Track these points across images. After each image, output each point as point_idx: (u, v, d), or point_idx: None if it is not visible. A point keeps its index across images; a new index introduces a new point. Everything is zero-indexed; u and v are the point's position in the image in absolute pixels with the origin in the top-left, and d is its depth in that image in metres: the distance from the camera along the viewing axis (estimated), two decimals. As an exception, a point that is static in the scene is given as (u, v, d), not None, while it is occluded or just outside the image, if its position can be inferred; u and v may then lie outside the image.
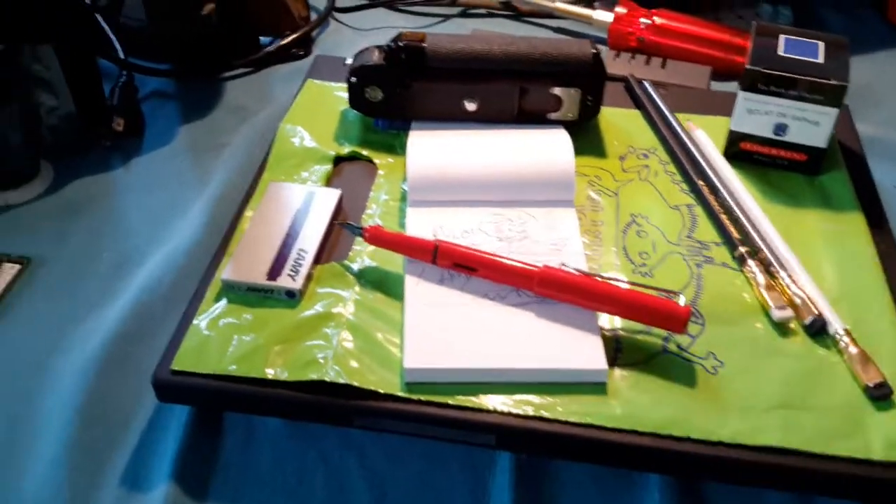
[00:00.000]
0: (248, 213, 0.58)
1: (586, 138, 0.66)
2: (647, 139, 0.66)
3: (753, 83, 0.60)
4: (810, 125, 0.61)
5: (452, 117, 0.65)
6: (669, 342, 0.50)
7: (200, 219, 0.62)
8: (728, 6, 0.89)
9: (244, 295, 0.52)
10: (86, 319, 0.56)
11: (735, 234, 0.56)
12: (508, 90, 0.64)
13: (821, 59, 0.60)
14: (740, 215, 0.58)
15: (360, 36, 0.87)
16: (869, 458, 0.44)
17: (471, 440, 0.47)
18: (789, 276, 0.53)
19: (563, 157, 0.60)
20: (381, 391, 0.46)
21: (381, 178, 0.62)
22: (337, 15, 0.90)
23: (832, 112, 0.60)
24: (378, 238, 0.54)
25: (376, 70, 0.64)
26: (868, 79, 0.79)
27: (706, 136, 0.65)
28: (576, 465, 0.48)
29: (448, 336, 0.49)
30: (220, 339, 0.49)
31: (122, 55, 0.74)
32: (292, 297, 0.52)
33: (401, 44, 0.63)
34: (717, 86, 0.77)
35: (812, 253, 0.56)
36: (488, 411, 0.46)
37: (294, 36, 0.83)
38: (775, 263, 0.54)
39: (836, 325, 0.50)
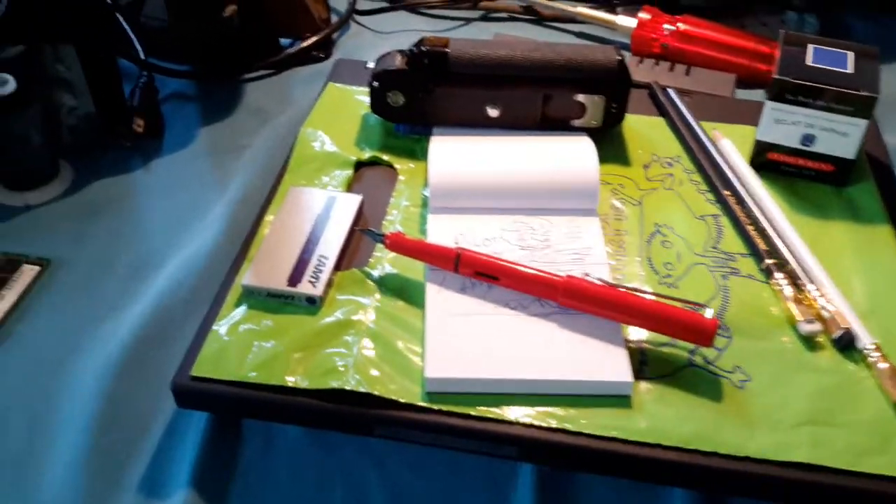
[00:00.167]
0: (269, 217, 0.58)
1: (610, 146, 0.65)
2: (672, 147, 0.66)
3: (781, 93, 0.60)
4: (839, 136, 0.60)
5: (475, 123, 0.64)
6: (696, 355, 0.49)
7: (220, 222, 0.62)
8: (752, 13, 0.88)
9: (264, 301, 0.52)
10: (105, 322, 0.55)
11: (762, 246, 0.56)
12: (532, 96, 0.63)
13: (850, 70, 0.59)
14: (767, 226, 0.57)
15: (381, 39, 0.87)
16: (899, 476, 0.43)
17: (492, 452, 0.46)
18: (817, 289, 0.52)
19: (588, 164, 0.59)
20: (402, 400, 0.46)
21: (401, 184, 0.61)
22: (357, 17, 0.90)
23: (861, 123, 0.59)
24: (399, 245, 0.53)
25: (399, 75, 0.63)
26: (894, 88, 0.78)
27: (732, 146, 0.65)
28: (599, 478, 0.47)
29: (470, 345, 0.48)
30: (239, 346, 0.49)
31: (142, 55, 0.73)
32: (313, 304, 0.51)
33: (424, 49, 0.63)
34: (742, 94, 0.77)
35: (840, 265, 0.55)
36: (510, 423, 0.45)
37: (314, 38, 0.83)
38: (803, 276, 0.53)
39: (865, 340, 0.49)
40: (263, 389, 0.47)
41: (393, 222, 0.58)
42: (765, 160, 0.63)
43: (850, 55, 0.61)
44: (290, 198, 0.59)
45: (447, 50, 0.63)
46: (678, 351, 0.49)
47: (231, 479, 0.47)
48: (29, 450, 0.48)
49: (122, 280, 0.58)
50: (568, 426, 0.45)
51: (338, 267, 0.54)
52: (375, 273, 0.54)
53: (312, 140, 0.65)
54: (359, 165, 0.64)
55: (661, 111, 0.69)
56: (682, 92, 0.71)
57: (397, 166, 0.63)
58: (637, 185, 0.62)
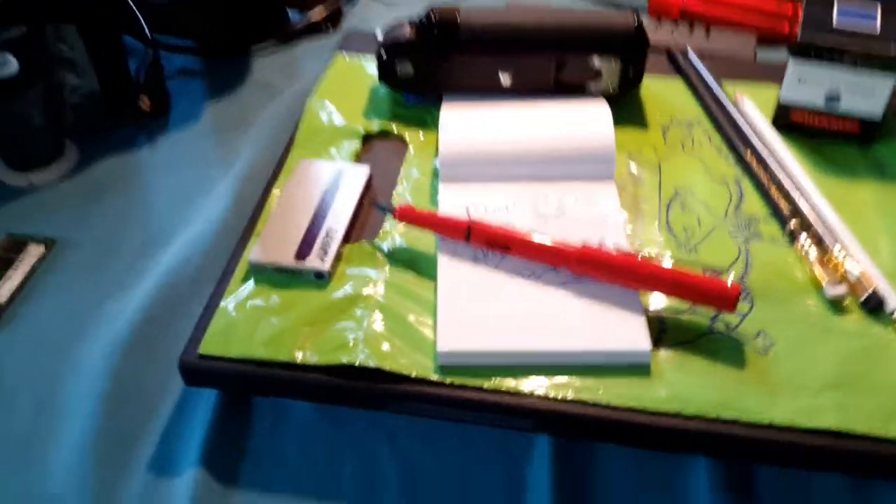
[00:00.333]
0: (276, 191, 0.56)
1: (626, 109, 0.63)
2: (691, 109, 0.64)
3: (805, 51, 0.57)
4: (865, 94, 0.57)
5: (486, 91, 0.63)
6: (717, 321, 0.47)
7: (227, 198, 0.61)
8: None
9: (272, 276, 0.50)
10: (111, 301, 0.55)
11: (785, 208, 0.54)
12: (545, 62, 0.61)
13: (877, 26, 0.57)
14: (790, 188, 0.55)
15: (391, 10, 0.85)
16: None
17: (507, 424, 0.45)
18: (843, 250, 0.50)
19: (603, 129, 0.57)
20: (414, 375, 0.45)
21: (411, 155, 0.60)
22: (367, -12, 0.88)
23: (889, 80, 0.56)
24: (409, 216, 0.52)
25: (407, 45, 0.62)
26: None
27: (754, 106, 0.62)
28: (617, 448, 0.45)
29: (483, 317, 0.47)
30: (247, 322, 0.48)
31: (147, 33, 0.72)
32: (321, 279, 0.50)
33: (433, 18, 0.61)
34: (763, 53, 0.74)
35: (867, 226, 0.53)
36: (525, 395, 0.44)
37: (323, 10, 0.81)
38: (828, 238, 0.51)
39: (893, 302, 0.48)
40: (272, 366, 0.46)
41: (403, 194, 0.57)
42: (788, 121, 0.61)
43: (877, 11, 0.58)
44: (298, 170, 0.57)
45: (457, 18, 0.61)
46: (698, 318, 0.47)
47: (241, 456, 0.46)
48: (36, 431, 0.47)
49: (129, 259, 0.58)
50: (585, 397, 0.43)
51: (346, 240, 0.53)
52: (385, 245, 0.52)
53: (320, 111, 0.64)
54: (367, 137, 0.62)
55: (680, 72, 0.67)
56: (701, 54, 0.68)
57: (407, 136, 0.62)
58: (655, 148, 0.60)
